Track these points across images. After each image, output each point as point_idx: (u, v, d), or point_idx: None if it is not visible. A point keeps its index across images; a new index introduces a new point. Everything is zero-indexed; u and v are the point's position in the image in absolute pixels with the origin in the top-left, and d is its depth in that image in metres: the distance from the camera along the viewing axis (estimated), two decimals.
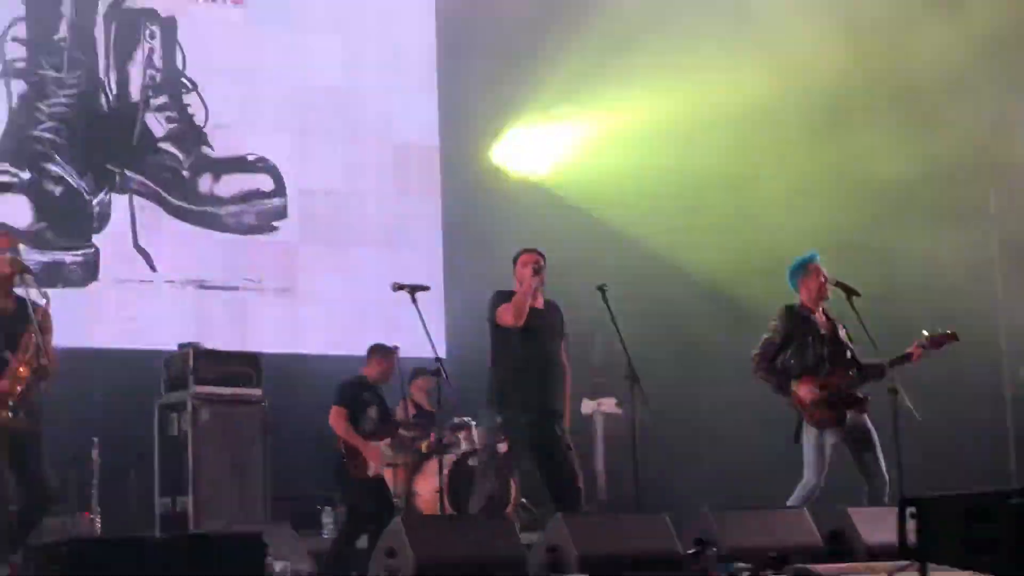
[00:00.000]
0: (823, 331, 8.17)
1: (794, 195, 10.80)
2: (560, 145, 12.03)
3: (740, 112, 11.38)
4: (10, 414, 6.70)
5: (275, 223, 11.20)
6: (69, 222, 10.40)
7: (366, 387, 9.28)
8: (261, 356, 9.87)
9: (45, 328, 6.86)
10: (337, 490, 9.51)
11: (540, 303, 7.90)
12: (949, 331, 8.04)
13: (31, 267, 7.17)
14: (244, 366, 9.61)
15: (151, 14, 10.90)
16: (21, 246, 7.68)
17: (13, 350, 6.78)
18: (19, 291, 6.89)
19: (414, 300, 8.18)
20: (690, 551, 6.49)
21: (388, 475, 9.15)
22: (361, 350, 9.58)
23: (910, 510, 4.78)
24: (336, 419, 9.05)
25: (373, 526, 8.23)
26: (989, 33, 10.68)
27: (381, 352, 9.43)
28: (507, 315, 7.79)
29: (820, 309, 8.22)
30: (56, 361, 6.89)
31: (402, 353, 9.37)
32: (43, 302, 6.88)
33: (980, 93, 10.99)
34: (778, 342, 8.16)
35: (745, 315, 9.60)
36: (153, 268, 10.66)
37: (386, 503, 8.94)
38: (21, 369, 6.72)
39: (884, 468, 7.97)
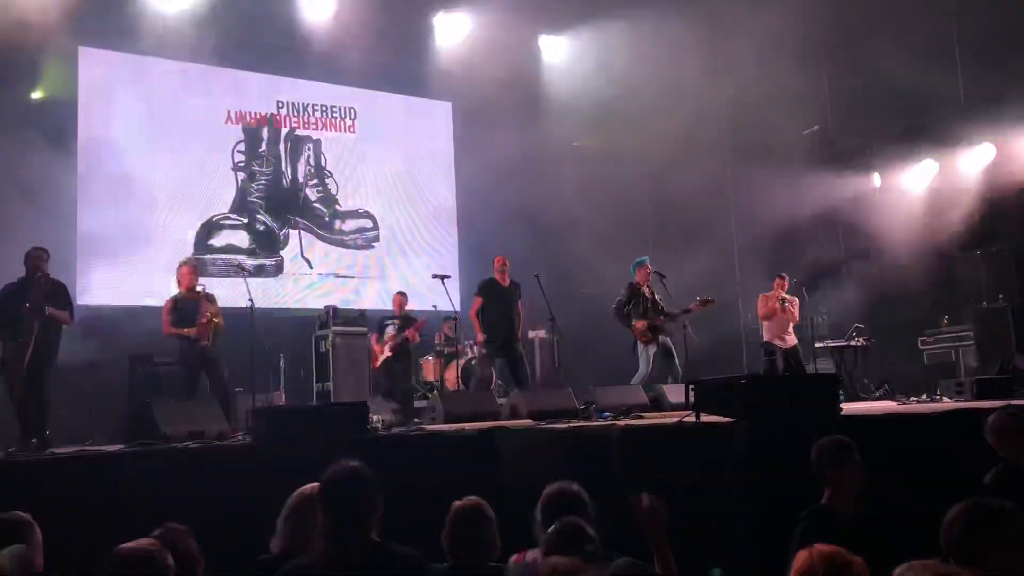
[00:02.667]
0: (647, 295, 8.17)
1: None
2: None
3: None
4: (204, 344, 6.75)
5: (373, 244, 10.89)
6: (267, 244, 10.18)
7: (389, 317, 9.05)
8: (365, 311, 9.67)
9: (216, 308, 6.92)
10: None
11: (507, 282, 7.89)
12: (710, 298, 8.07)
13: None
14: (356, 316, 9.38)
15: (308, 138, 10.61)
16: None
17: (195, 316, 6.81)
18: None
19: (443, 282, 8.07)
20: (582, 407, 6.53)
21: (428, 367, 8.93)
22: (416, 308, 9.32)
23: (691, 386, 4.94)
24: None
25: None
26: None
27: (400, 294, 9.25)
28: None
29: (646, 284, 8.21)
30: (221, 322, 6.91)
31: (436, 308, 9.10)
32: (214, 295, 7.09)
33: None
34: (624, 301, 8.17)
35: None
36: (311, 267, 10.42)
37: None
38: (203, 323, 6.77)
39: (678, 365, 7.99)
